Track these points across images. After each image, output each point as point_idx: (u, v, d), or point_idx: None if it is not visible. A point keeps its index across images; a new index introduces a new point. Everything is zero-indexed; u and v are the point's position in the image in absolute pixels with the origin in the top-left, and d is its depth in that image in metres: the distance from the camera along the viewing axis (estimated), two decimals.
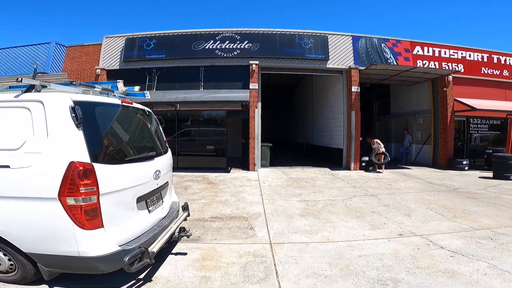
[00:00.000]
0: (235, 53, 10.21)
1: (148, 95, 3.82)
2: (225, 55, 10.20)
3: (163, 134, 3.56)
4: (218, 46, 10.20)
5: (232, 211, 4.98)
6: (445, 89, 10.81)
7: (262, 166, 10.46)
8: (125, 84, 3.60)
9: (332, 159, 12.03)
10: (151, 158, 2.92)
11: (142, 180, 2.69)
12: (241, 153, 11.03)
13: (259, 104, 10.24)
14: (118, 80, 3.60)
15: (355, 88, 10.37)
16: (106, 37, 10.63)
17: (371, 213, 4.94)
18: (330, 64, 10.53)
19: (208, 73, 10.29)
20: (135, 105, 3.09)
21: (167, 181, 3.33)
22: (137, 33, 10.49)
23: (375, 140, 10.35)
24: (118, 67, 10.39)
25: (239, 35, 10.27)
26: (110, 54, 10.49)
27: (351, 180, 8.17)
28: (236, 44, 10.22)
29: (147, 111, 3.30)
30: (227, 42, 10.23)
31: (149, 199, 2.85)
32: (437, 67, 11.08)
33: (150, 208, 2.84)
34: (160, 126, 3.53)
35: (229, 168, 10.13)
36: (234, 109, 9.90)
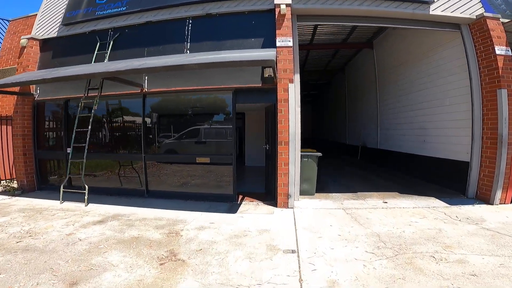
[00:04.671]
0: None
1: None
2: None
3: None
4: None
5: None
6: None
7: (303, 193, 5.55)
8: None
9: (425, 175, 6.73)
10: None
11: None
12: (265, 162, 6.28)
13: (297, 77, 5.35)
14: None
15: (501, 49, 4.97)
16: None
17: None
18: (436, 10, 5.29)
19: (200, 28, 5.69)
20: None
21: None
22: None
23: None
24: (56, 35, 6.37)
25: None
26: (49, 19, 6.54)
27: None
28: None
29: None
30: None
31: None
32: None
33: None
34: None
35: (239, 197, 5.42)
36: (249, 87, 5.20)
